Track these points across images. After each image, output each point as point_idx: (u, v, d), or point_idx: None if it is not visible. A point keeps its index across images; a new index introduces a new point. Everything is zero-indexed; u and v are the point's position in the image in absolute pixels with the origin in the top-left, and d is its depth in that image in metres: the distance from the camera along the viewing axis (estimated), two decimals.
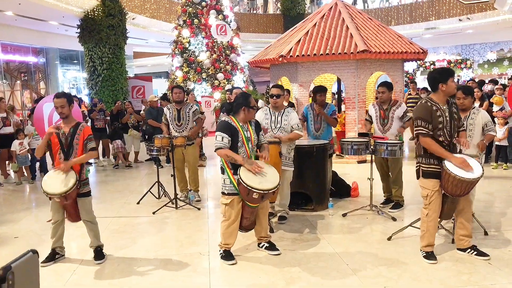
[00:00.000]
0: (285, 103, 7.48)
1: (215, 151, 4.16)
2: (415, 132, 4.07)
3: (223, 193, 4.24)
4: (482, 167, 4.00)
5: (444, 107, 4.01)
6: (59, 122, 4.47)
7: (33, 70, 20.46)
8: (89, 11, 15.00)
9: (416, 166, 4.18)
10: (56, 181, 4.11)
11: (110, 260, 4.43)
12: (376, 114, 5.96)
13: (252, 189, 3.92)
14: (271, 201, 5.08)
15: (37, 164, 9.04)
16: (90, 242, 4.45)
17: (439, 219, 4.39)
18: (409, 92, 11.84)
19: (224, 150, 4.08)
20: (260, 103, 9.00)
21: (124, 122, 10.09)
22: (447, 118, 3.99)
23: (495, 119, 8.21)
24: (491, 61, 24.65)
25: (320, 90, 6.30)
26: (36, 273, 1.05)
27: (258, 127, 4.43)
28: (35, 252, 1.04)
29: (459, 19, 19.95)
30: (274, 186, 4.02)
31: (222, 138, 4.11)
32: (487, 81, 12.27)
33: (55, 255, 4.38)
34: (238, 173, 4.02)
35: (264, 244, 4.47)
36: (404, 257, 4.25)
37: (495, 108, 8.34)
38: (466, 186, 3.89)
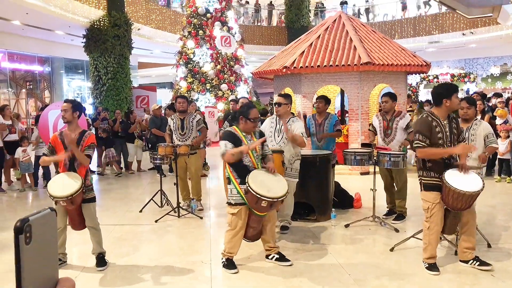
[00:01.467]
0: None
1: (221, 157, 4.17)
2: (414, 145, 4.09)
3: (229, 203, 4.22)
4: (483, 180, 4.00)
5: (445, 122, 4.04)
6: (64, 129, 4.50)
7: (38, 79, 20.62)
8: (95, 21, 15.15)
9: (418, 179, 4.20)
10: (62, 184, 4.14)
11: (112, 268, 4.43)
12: (379, 124, 5.98)
13: (261, 197, 3.90)
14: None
15: (40, 171, 9.06)
16: (93, 249, 4.46)
17: (442, 233, 4.38)
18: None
19: (227, 152, 4.08)
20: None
21: (132, 131, 10.19)
22: (447, 134, 4.01)
23: (498, 132, 8.21)
24: (495, 75, 24.68)
25: (318, 98, 6.35)
26: (54, 231, 1.05)
27: (262, 137, 4.43)
28: (53, 209, 1.05)
29: (463, 33, 20.03)
30: (283, 194, 4.01)
31: (225, 144, 4.14)
32: (490, 95, 12.29)
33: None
34: (246, 181, 4.00)
35: (274, 256, 4.43)
36: (407, 268, 4.24)
37: (499, 121, 8.35)
38: (467, 200, 3.88)
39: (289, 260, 4.37)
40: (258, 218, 4.19)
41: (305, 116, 9.10)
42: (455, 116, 4.24)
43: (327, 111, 6.40)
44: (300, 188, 5.52)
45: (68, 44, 18.62)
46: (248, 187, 3.95)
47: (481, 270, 4.07)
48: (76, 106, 4.42)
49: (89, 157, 4.37)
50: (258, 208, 4.02)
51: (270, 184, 4.02)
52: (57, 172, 4.36)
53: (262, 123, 5.74)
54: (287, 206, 5.38)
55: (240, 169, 4.16)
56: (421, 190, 4.18)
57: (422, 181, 4.13)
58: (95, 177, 9.96)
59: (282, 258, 4.40)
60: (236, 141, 4.17)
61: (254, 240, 4.41)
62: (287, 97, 5.41)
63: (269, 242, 4.43)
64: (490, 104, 10.12)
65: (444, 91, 4.03)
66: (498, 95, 10.50)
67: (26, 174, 8.61)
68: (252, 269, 4.29)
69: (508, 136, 8.25)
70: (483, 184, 3.94)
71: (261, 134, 4.47)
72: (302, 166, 5.41)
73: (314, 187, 5.80)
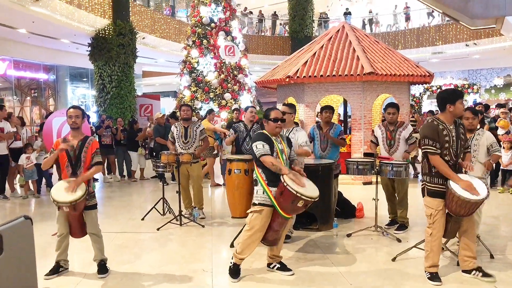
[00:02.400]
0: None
1: (259, 158, 4.13)
2: (422, 151, 4.08)
3: (253, 203, 4.21)
4: (488, 188, 4.00)
5: (451, 127, 4.03)
6: (67, 136, 4.54)
7: (43, 86, 20.77)
8: (100, 30, 15.28)
9: (422, 185, 4.19)
10: (66, 190, 4.15)
11: (114, 275, 4.43)
12: (382, 135, 5.99)
13: (300, 196, 3.90)
14: None
15: (44, 180, 9.10)
16: (94, 256, 4.46)
17: (444, 242, 4.37)
18: None
19: (270, 157, 4.09)
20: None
21: (140, 139, 10.33)
22: (454, 138, 4.00)
23: (501, 143, 8.20)
24: (498, 86, 24.68)
25: (326, 108, 6.37)
26: (30, 239, 1.01)
27: (290, 142, 4.52)
28: (27, 218, 1.01)
29: (466, 44, 20.07)
30: (317, 195, 4.06)
31: (263, 145, 4.13)
32: (493, 106, 12.29)
33: (59, 268, 4.40)
34: (282, 180, 3.99)
35: (275, 265, 4.40)
36: (409, 278, 4.22)
37: (501, 131, 8.34)
38: (471, 207, 3.88)
39: (291, 270, 4.36)
40: (282, 220, 4.14)
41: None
42: (462, 122, 4.24)
43: (331, 121, 6.45)
44: None
45: (73, 52, 18.78)
46: (287, 186, 3.93)
47: (483, 281, 4.04)
48: (84, 112, 4.55)
49: (99, 163, 4.42)
50: (292, 208, 4.00)
51: (304, 185, 4.04)
52: (60, 179, 4.37)
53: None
54: None
55: (270, 171, 4.14)
56: (423, 195, 4.16)
57: (426, 186, 4.11)
58: (98, 185, 9.98)
59: (284, 267, 4.38)
60: (270, 143, 4.19)
61: (273, 244, 4.32)
62: (292, 106, 5.47)
63: (275, 251, 4.41)
64: (492, 115, 10.11)
65: (448, 96, 4.03)
66: (500, 105, 10.50)
67: (29, 181, 8.64)
68: (254, 278, 4.28)
69: None
70: (488, 192, 3.95)
71: (288, 139, 4.55)
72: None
73: None
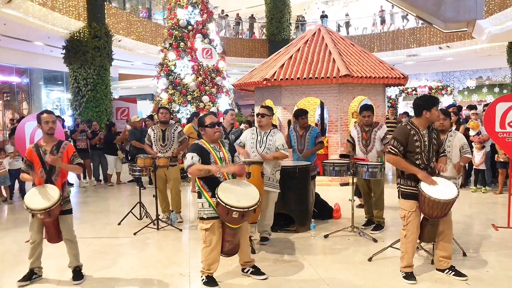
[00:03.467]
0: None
1: (186, 170, 4.06)
2: (386, 151, 4.20)
3: (201, 218, 4.11)
4: (458, 188, 4.09)
5: (424, 132, 4.13)
6: (39, 141, 4.42)
7: (16, 90, 20.29)
8: (75, 32, 15.04)
9: (397, 187, 4.27)
10: (39, 197, 4.07)
11: (89, 281, 4.36)
12: (358, 135, 6.07)
13: (232, 208, 3.80)
14: (252, 221, 4.98)
15: (16, 185, 8.89)
16: (69, 262, 4.39)
17: (419, 241, 4.45)
18: (387, 116, 12.04)
19: (195, 165, 3.99)
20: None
21: (118, 142, 10.23)
22: (426, 143, 4.10)
23: (472, 144, 8.40)
24: (471, 88, 25.28)
25: (302, 114, 6.41)
26: None
27: (232, 148, 4.40)
28: None
29: (439, 47, 20.49)
30: (253, 204, 3.90)
31: (192, 157, 4.04)
32: (465, 108, 12.56)
33: (32, 275, 4.30)
34: (216, 193, 3.91)
35: (249, 269, 4.37)
36: (385, 278, 4.28)
37: (472, 132, 8.54)
38: (442, 208, 3.96)
39: (264, 274, 4.32)
40: (232, 231, 4.06)
41: (289, 123, 9.18)
42: (435, 127, 4.34)
43: (307, 124, 6.49)
44: (280, 199, 5.54)
45: (47, 55, 18.42)
46: (218, 199, 3.87)
47: (456, 279, 4.14)
48: (56, 117, 4.43)
49: (81, 164, 4.42)
50: (230, 220, 3.91)
51: (240, 194, 3.92)
52: (34, 185, 4.28)
53: (241, 134, 5.79)
54: (268, 216, 5.40)
55: (211, 181, 4.06)
56: (398, 197, 4.24)
57: (400, 189, 4.21)
58: (73, 189, 9.81)
59: (257, 271, 4.36)
60: (203, 154, 4.09)
61: (232, 255, 4.27)
62: (270, 109, 5.54)
63: (244, 258, 4.36)
64: (464, 116, 10.34)
65: (424, 103, 4.14)
66: (471, 107, 10.75)
67: (1, 187, 8.44)
68: (231, 284, 4.26)
69: (483, 147, 8.45)
70: (458, 192, 4.05)
71: (231, 145, 4.42)
72: (282, 177, 5.44)
73: (294, 198, 5.83)
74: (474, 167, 8.76)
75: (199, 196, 4.15)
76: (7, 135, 9.85)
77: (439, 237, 4.25)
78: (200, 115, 4.63)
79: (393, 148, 4.12)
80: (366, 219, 6.18)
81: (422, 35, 21.20)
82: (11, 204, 8.35)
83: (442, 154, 4.34)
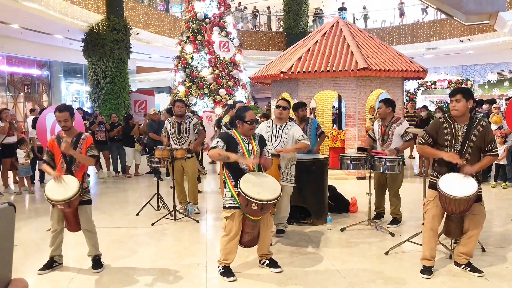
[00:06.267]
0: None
1: (207, 153, 4.14)
2: (417, 141, 4.31)
3: (224, 207, 4.17)
4: (480, 187, 3.96)
5: (459, 126, 4.02)
6: (60, 132, 4.49)
7: (36, 82, 20.65)
8: (94, 25, 15.21)
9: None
10: (60, 188, 4.15)
11: (108, 270, 4.43)
12: (378, 130, 6.01)
13: (251, 199, 3.83)
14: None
15: (37, 175, 9.06)
16: (88, 251, 4.47)
17: (444, 235, 4.41)
18: (407, 110, 11.91)
19: (216, 149, 4.03)
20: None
21: (134, 133, 10.28)
22: (458, 137, 4.00)
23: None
24: (492, 82, 24.79)
25: (302, 105, 6.43)
26: (10, 226, 1.00)
27: (262, 141, 4.39)
28: (11, 204, 1.02)
29: (460, 40, 20.15)
30: (273, 198, 3.92)
31: (217, 141, 4.12)
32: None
33: (52, 263, 4.40)
34: (238, 184, 3.98)
35: (265, 261, 4.38)
36: (402, 272, 4.26)
37: (493, 127, 8.39)
38: (458, 205, 3.84)
39: (280, 267, 4.31)
40: (252, 223, 4.09)
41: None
42: (484, 124, 4.06)
43: (307, 116, 6.52)
44: (296, 192, 5.54)
45: (67, 48, 18.68)
46: (239, 189, 3.92)
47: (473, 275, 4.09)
48: (72, 111, 4.41)
49: (94, 156, 4.41)
50: (250, 211, 3.94)
51: (262, 187, 3.95)
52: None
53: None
54: (284, 209, 5.40)
55: (235, 172, 4.12)
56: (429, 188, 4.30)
57: (430, 178, 4.26)
58: (92, 181, 9.96)
59: (273, 264, 4.36)
60: (230, 143, 4.14)
61: (250, 246, 4.32)
62: (289, 102, 5.55)
63: (262, 250, 4.38)
64: (484, 110, 10.16)
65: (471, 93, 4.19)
66: (491, 101, 10.55)
67: (24, 177, 8.61)
68: (247, 275, 4.28)
69: (505, 142, 8.30)
70: (477, 190, 3.85)
71: (261, 139, 4.41)
72: (298, 170, 5.44)
73: (311, 191, 5.83)
74: (495, 161, 8.60)
75: (224, 186, 4.22)
76: (30, 123, 9.94)
77: (463, 234, 4.14)
78: (239, 106, 4.66)
79: (421, 138, 4.22)
80: (375, 212, 6.10)
81: (442, 28, 20.86)
82: (32, 193, 8.51)
83: (488, 154, 4.03)
